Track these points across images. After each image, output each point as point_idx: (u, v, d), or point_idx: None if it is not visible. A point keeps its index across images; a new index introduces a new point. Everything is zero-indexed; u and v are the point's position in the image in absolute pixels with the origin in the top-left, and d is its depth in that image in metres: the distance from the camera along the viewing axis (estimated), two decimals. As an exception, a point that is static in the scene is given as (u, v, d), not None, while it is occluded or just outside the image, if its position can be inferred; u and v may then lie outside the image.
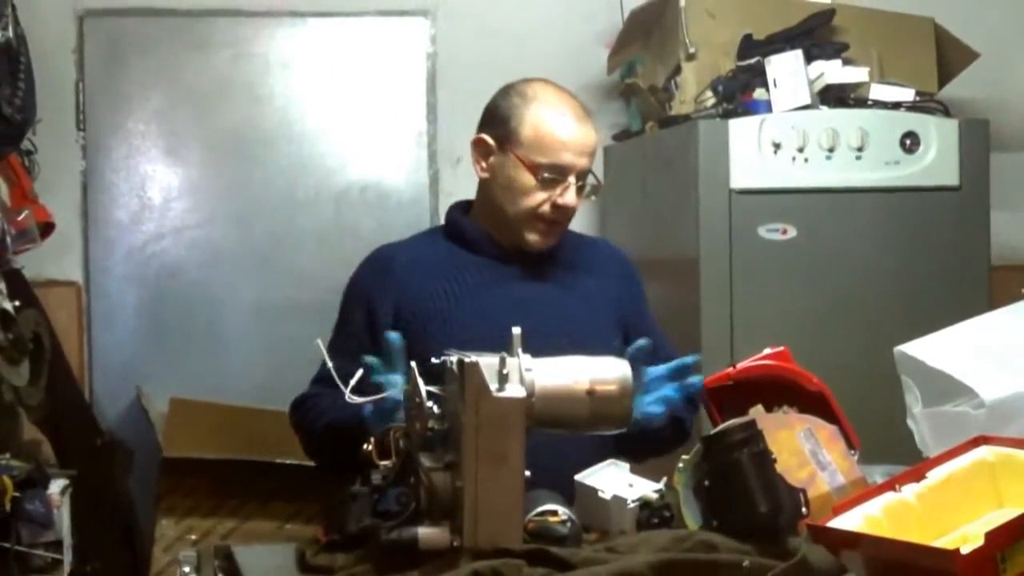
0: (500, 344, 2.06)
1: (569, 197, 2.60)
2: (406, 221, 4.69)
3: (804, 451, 2.28)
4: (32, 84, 4.05)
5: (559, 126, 2.60)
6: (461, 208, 2.80)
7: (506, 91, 2.70)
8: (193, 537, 3.98)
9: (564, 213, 2.63)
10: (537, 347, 2.11)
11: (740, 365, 2.49)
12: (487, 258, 2.69)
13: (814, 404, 2.42)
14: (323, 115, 4.73)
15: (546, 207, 2.61)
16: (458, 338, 2.21)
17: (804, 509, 2.10)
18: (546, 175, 2.59)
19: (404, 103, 4.77)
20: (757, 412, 2.32)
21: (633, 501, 2.16)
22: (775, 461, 2.11)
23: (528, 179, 2.60)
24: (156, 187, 4.66)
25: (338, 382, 2.21)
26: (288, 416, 2.71)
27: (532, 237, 2.65)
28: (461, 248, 2.72)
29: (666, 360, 2.68)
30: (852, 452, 2.34)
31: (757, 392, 2.41)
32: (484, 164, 2.68)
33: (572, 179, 2.60)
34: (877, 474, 2.35)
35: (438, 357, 2.10)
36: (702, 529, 2.12)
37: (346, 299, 2.76)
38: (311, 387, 2.67)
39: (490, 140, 2.67)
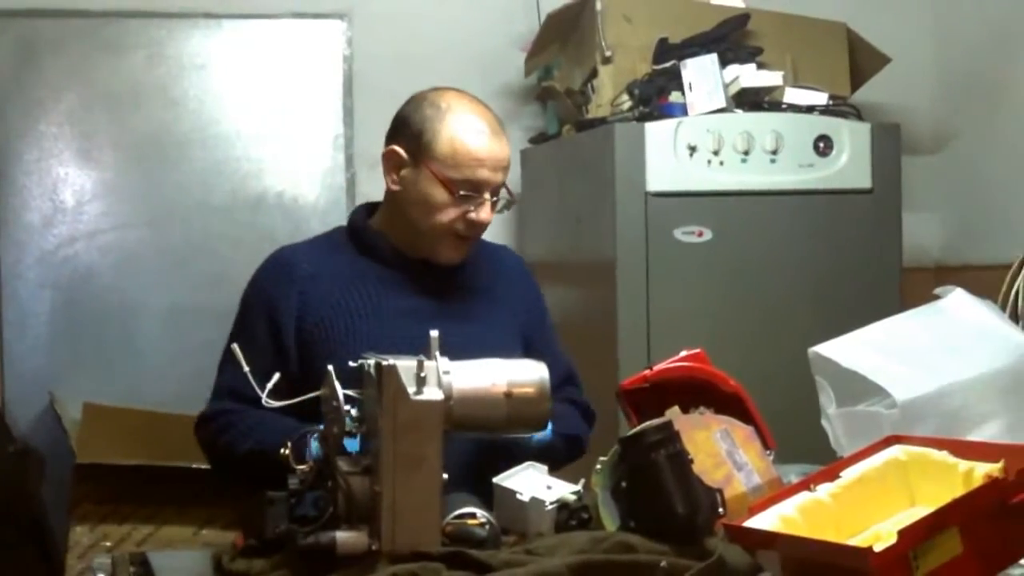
0: (404, 350, 2.05)
1: (484, 214, 2.56)
2: (322, 225, 4.60)
3: (720, 451, 2.30)
4: (-59, 86, 4.00)
5: (475, 142, 2.54)
6: (366, 211, 2.73)
7: (418, 102, 2.63)
8: (108, 544, 3.93)
9: (478, 229, 2.59)
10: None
11: (657, 367, 2.50)
12: (389, 268, 2.63)
13: (730, 405, 2.43)
14: (239, 118, 4.70)
15: (460, 223, 2.57)
16: (360, 350, 2.18)
17: (721, 509, 2.12)
18: (462, 192, 2.54)
19: (320, 106, 4.75)
20: (674, 413, 2.33)
21: (551, 503, 2.16)
22: (692, 462, 2.12)
23: (443, 195, 2.55)
24: (69, 190, 4.60)
25: (255, 386, 2.17)
26: (194, 431, 2.63)
27: (445, 253, 2.61)
28: (363, 255, 2.65)
29: (564, 375, 2.71)
30: (768, 452, 2.36)
31: (674, 394, 2.42)
32: (395, 177, 2.62)
33: (487, 195, 2.56)
34: (792, 474, 2.37)
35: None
36: (620, 530, 2.13)
37: (245, 306, 2.67)
38: (215, 402, 2.58)
39: (403, 153, 2.60)
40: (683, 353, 2.52)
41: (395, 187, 2.62)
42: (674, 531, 2.06)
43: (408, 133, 2.60)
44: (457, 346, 2.16)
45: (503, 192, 2.60)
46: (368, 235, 2.67)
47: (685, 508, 2.06)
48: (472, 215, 2.56)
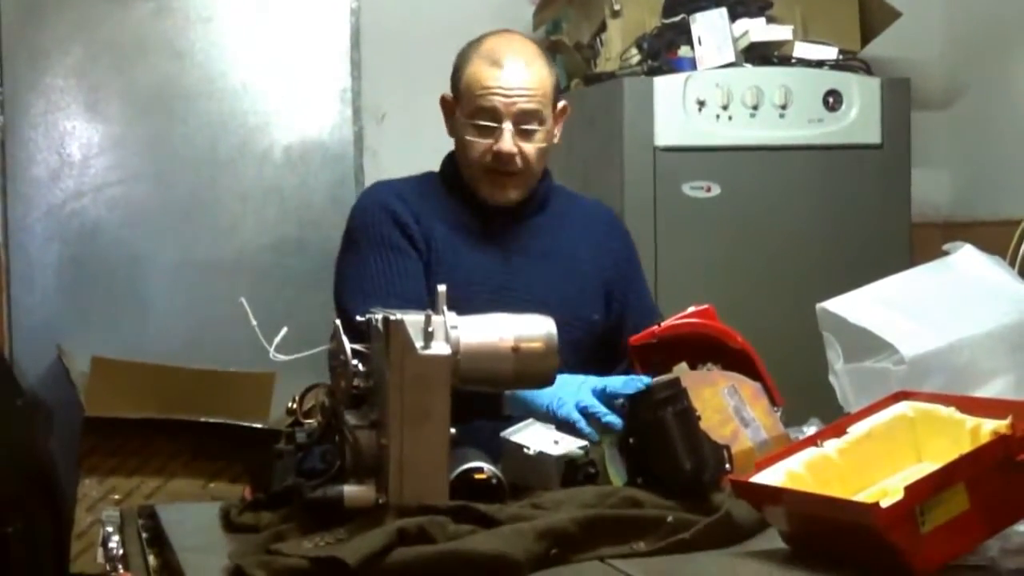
0: (484, 299, 2.13)
1: (504, 143, 2.56)
2: (330, 178, 4.67)
3: (728, 408, 2.30)
4: (-53, 39, 3.98)
5: (486, 72, 2.58)
6: (454, 159, 2.75)
7: (465, 46, 2.68)
8: (116, 497, 3.95)
9: (506, 161, 2.58)
10: (514, 310, 2.12)
11: (665, 323, 2.50)
12: (478, 214, 2.67)
13: (738, 362, 2.44)
14: (245, 71, 4.68)
15: (487, 157, 2.59)
16: (448, 286, 2.19)
17: (727, 465, 2.12)
18: (479, 122, 2.58)
19: (328, 59, 4.72)
20: (681, 370, 2.34)
21: (558, 458, 2.17)
22: (699, 418, 2.12)
23: (467, 130, 2.60)
24: (76, 144, 4.59)
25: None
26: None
27: (487, 191, 2.63)
28: (456, 199, 2.69)
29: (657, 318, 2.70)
30: (776, 409, 2.36)
31: (682, 350, 2.43)
32: (449, 123, 2.69)
33: (507, 125, 2.56)
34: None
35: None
36: (627, 486, 2.13)
37: (367, 224, 2.64)
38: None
39: (450, 97, 2.67)
40: (691, 309, 2.52)
41: (450, 134, 2.70)
42: (681, 487, 2.07)
43: (452, 78, 2.68)
44: (533, 300, 2.17)
45: (542, 123, 2.60)
46: (460, 177, 2.69)
47: (692, 464, 2.07)
48: (495, 146, 2.57)
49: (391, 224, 2.61)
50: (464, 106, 2.61)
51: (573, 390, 2.25)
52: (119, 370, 4.12)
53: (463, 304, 2.09)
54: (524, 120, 2.58)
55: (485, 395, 2.29)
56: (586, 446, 2.18)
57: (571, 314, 2.53)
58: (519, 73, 2.58)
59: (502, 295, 2.29)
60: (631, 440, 2.15)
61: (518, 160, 2.59)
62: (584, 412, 2.24)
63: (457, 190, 2.69)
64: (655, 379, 2.17)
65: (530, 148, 2.60)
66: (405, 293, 2.48)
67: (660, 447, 2.09)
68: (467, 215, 2.67)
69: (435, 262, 2.60)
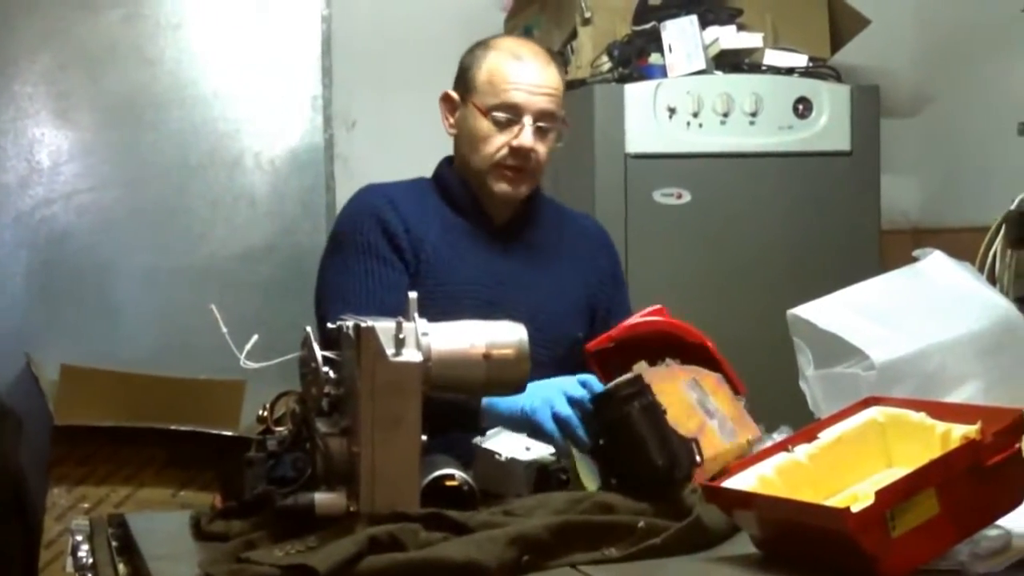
0: (470, 314, 2.10)
1: (524, 138, 2.58)
2: (301, 185, 4.65)
3: (691, 401, 2.32)
4: (-86, 45, 3.95)
5: (510, 67, 2.60)
6: (448, 163, 2.76)
7: (472, 47, 2.70)
8: (86, 505, 3.93)
9: (523, 157, 2.60)
10: None
11: (620, 325, 2.52)
12: (471, 224, 2.67)
13: (696, 357, 2.45)
14: (216, 78, 4.66)
15: (504, 151, 2.60)
16: (435, 297, 2.18)
17: (698, 458, 2.13)
18: (498, 115, 2.59)
19: (299, 66, 4.71)
20: (641, 367, 2.35)
21: (529, 464, 2.17)
22: (665, 413, 2.13)
23: (483, 124, 2.60)
24: (45, 151, 4.57)
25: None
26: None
27: (499, 186, 2.63)
28: (448, 207, 2.69)
29: None
30: (738, 397, 2.37)
31: (640, 351, 2.43)
32: (451, 120, 2.69)
33: (527, 120, 2.58)
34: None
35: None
36: (601, 488, 2.14)
37: (353, 230, 2.64)
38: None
39: (454, 95, 2.68)
40: (646, 310, 2.54)
41: (452, 131, 2.70)
42: (655, 483, 2.07)
43: (459, 75, 2.68)
44: (520, 318, 2.16)
45: (556, 124, 2.62)
46: (453, 186, 2.69)
47: (664, 460, 2.08)
48: (514, 141, 2.59)
49: (379, 233, 2.61)
50: (481, 100, 2.61)
51: (547, 395, 2.26)
52: (88, 378, 4.10)
53: (450, 317, 2.09)
54: (543, 118, 2.61)
55: (462, 408, 2.30)
56: (557, 452, 2.18)
57: (558, 332, 2.57)
58: (543, 71, 2.62)
59: (489, 310, 2.28)
60: (600, 441, 2.16)
61: (533, 157, 2.61)
62: (558, 421, 2.24)
63: (452, 200, 2.69)
64: (618, 379, 2.17)
65: (542, 148, 2.62)
66: (385, 304, 2.45)
67: (630, 444, 2.09)
68: (459, 226, 2.67)
69: (424, 273, 2.60)
